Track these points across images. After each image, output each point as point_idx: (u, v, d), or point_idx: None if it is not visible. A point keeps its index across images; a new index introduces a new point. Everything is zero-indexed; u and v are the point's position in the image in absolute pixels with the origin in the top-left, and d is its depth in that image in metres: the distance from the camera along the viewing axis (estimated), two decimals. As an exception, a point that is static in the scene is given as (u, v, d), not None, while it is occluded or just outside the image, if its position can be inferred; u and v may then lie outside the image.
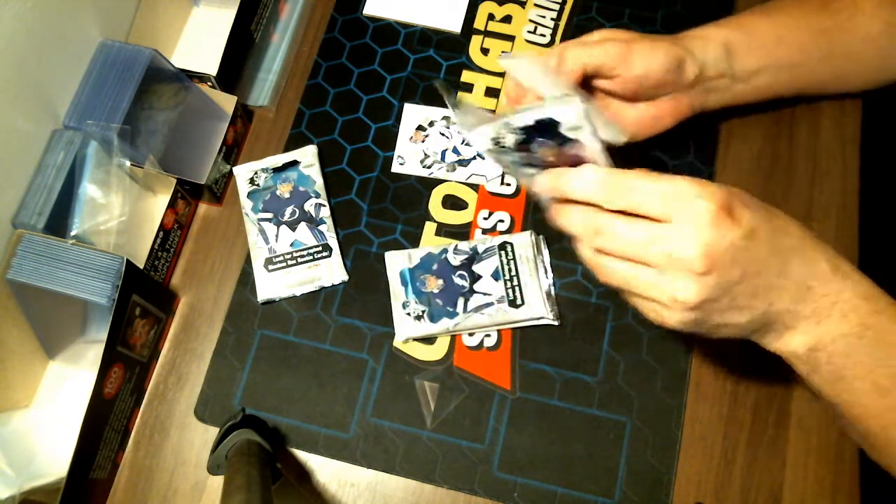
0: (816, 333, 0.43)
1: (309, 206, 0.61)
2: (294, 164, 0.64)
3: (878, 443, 0.45)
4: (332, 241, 0.61)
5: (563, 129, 0.42)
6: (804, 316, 0.42)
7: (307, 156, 0.64)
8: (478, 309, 0.58)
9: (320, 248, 0.60)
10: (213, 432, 0.57)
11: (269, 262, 0.60)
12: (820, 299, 0.42)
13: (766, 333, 0.44)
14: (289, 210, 0.61)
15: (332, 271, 0.60)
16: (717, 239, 0.38)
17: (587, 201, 0.41)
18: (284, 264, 0.60)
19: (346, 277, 0.60)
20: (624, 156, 0.55)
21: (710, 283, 0.39)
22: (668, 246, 0.39)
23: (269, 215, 0.61)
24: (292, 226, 0.61)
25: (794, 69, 0.58)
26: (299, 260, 0.60)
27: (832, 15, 0.57)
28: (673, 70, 0.53)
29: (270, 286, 0.60)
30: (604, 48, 0.50)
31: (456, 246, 0.61)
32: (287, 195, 0.61)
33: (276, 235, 0.61)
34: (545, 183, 0.44)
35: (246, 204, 0.62)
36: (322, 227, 0.61)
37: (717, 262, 0.39)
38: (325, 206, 0.61)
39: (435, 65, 0.69)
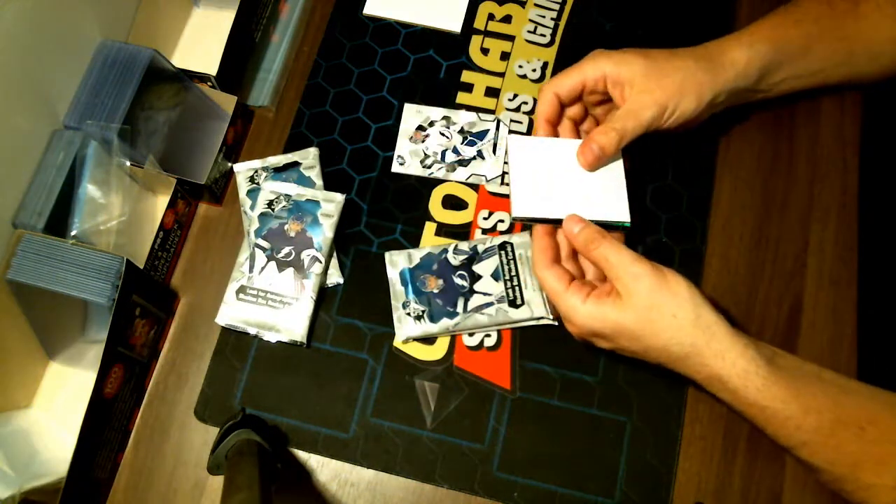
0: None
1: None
2: (295, 164, 0.64)
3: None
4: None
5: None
6: (681, 371, 0.50)
7: (308, 157, 0.64)
8: (478, 309, 0.58)
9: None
10: (213, 432, 0.57)
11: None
12: (690, 371, 0.50)
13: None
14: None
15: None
16: (578, 335, 0.53)
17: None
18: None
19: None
20: (628, 154, 0.55)
21: (580, 336, 0.52)
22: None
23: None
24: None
25: (814, 75, 0.59)
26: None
27: (857, 20, 0.57)
28: (704, 109, 0.55)
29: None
30: (640, 122, 0.53)
31: (456, 246, 0.61)
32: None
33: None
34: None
35: (245, 202, 0.62)
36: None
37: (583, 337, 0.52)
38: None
39: (435, 65, 0.69)
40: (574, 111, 0.58)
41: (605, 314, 0.49)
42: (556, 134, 0.57)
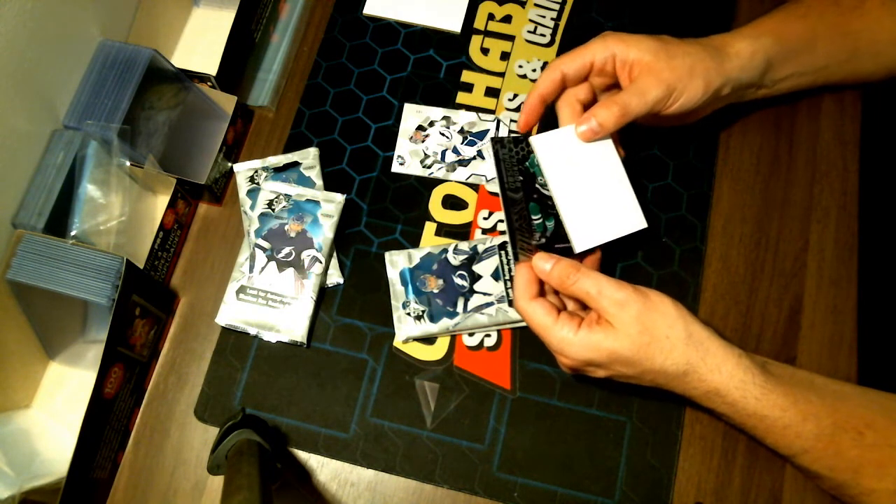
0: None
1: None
2: (295, 164, 0.64)
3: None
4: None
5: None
6: (678, 390, 0.50)
7: (308, 157, 0.64)
8: (478, 309, 0.58)
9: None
10: (213, 432, 0.57)
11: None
12: (688, 388, 0.50)
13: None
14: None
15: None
16: (572, 367, 0.51)
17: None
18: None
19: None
20: (627, 150, 0.55)
21: (574, 368, 0.51)
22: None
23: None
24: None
25: (819, 72, 0.59)
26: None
27: (863, 16, 0.57)
28: (710, 97, 0.54)
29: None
30: (645, 100, 0.52)
31: (456, 246, 0.61)
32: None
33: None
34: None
35: (245, 202, 0.62)
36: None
37: (577, 368, 0.51)
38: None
39: (435, 65, 0.69)
40: (583, 94, 0.56)
41: (599, 343, 0.47)
42: (542, 111, 0.56)
